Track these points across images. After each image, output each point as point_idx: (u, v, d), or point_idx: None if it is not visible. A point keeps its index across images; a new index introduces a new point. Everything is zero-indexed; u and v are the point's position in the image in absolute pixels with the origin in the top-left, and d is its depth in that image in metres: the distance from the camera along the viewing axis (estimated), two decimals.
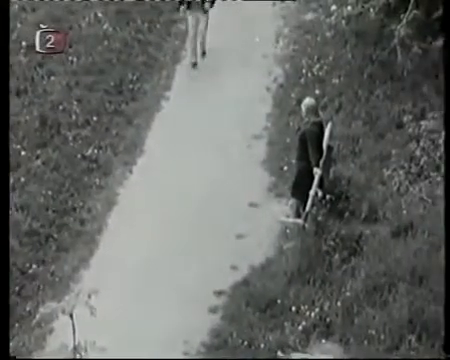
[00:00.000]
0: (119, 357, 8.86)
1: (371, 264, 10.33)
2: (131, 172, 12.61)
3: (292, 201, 11.29)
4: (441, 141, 12.03)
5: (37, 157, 12.57)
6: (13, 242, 10.77)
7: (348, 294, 10.01)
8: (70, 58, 14.46)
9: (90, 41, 14.97)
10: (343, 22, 13.22)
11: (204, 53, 14.88)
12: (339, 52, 14.30)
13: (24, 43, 14.33)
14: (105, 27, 15.39)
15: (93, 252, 11.12)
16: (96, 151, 12.80)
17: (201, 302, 10.20)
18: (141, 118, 13.73)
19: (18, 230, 11.07)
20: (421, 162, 11.92)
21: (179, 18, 16.12)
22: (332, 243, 10.63)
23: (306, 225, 10.71)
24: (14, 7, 15.11)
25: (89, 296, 5.41)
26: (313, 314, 9.85)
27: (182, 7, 14.74)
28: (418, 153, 12.06)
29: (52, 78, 14.15)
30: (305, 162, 10.92)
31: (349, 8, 13.00)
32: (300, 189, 10.95)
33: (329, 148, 11.20)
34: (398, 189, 11.53)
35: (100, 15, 15.61)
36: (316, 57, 14.53)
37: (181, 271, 10.64)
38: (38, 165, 12.43)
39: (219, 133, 13.17)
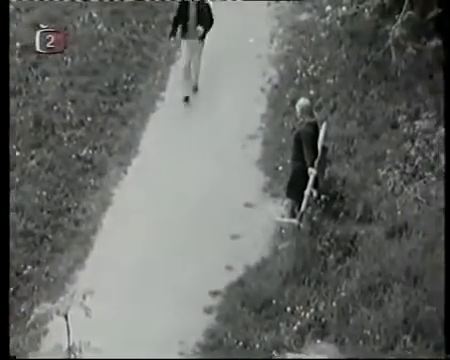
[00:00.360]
0: (114, 358, 8.85)
1: (366, 264, 10.34)
2: (126, 172, 12.60)
3: (287, 201, 11.30)
4: (435, 141, 12.06)
5: (32, 157, 12.56)
6: None
7: (343, 294, 10.01)
8: (65, 58, 14.44)
9: (85, 41, 14.95)
10: (338, 23, 13.24)
11: (196, 88, 13.99)
12: (334, 52, 14.31)
13: (18, 44, 14.32)
14: (100, 27, 15.38)
15: (88, 253, 11.11)
16: (91, 151, 12.79)
17: (196, 302, 10.20)
18: (136, 119, 13.72)
19: (13, 231, 11.03)
20: (416, 162, 11.94)
21: None
22: (327, 243, 10.64)
23: (301, 225, 10.71)
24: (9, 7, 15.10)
25: (84, 297, 5.39)
26: (308, 314, 9.85)
27: (172, 37, 13.87)
28: (413, 153, 12.08)
29: (47, 79, 14.14)
30: (300, 162, 10.93)
31: (344, 9, 13.01)
32: (295, 189, 10.96)
33: (324, 148, 11.22)
34: (393, 189, 11.54)
35: (95, 15, 15.59)
36: (311, 57, 14.54)
37: (176, 271, 10.63)
38: (33, 165, 12.41)
39: (214, 134, 13.17)
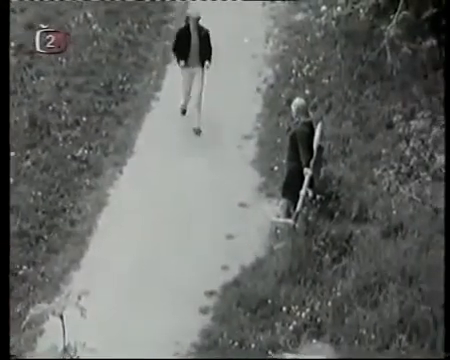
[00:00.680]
0: (110, 358, 8.83)
1: (361, 264, 10.34)
2: (121, 173, 12.59)
3: (283, 201, 11.30)
4: (430, 141, 12.06)
5: (27, 158, 12.54)
6: None
7: (339, 294, 10.01)
8: (59, 59, 14.43)
9: (79, 42, 14.94)
10: (333, 23, 13.23)
11: (199, 131, 13.02)
12: (329, 52, 14.32)
13: (13, 44, 14.30)
14: (94, 28, 15.37)
15: (83, 253, 11.09)
16: (86, 152, 12.78)
17: (192, 303, 10.19)
18: (131, 118, 13.71)
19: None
20: (411, 162, 11.94)
21: (169, 18, 16.14)
22: (322, 243, 10.64)
23: (296, 225, 10.72)
24: None
25: (79, 297, 5.38)
26: (304, 314, 9.85)
27: (179, 60, 13.03)
28: (408, 153, 12.07)
29: (41, 78, 14.13)
30: (295, 162, 10.93)
31: (339, 9, 13.01)
32: (290, 189, 10.96)
33: (319, 148, 11.22)
34: (388, 189, 11.52)
35: (90, 15, 15.58)
36: (306, 57, 14.55)
37: (172, 272, 10.62)
38: (28, 166, 12.40)
39: (209, 133, 13.17)
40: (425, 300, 9.68)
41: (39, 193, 11.89)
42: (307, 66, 14.30)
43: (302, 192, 10.68)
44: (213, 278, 10.54)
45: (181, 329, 9.80)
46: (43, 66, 14.32)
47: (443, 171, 10.16)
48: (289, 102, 12.28)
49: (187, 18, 13.14)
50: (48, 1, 15.57)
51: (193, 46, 13.07)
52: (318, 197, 11.01)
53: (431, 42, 12.66)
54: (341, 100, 13.46)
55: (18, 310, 10.10)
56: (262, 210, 11.70)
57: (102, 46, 15.04)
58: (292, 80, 14.18)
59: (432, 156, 11.77)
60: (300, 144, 10.87)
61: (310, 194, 10.90)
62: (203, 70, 13.07)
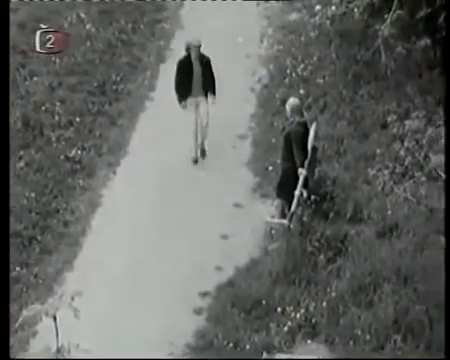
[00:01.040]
0: (103, 359, 8.79)
1: (356, 264, 10.32)
2: (115, 173, 12.55)
3: (277, 202, 11.27)
4: (425, 141, 12.05)
5: (20, 158, 12.49)
6: None
7: (333, 294, 9.99)
8: (53, 59, 14.37)
9: (73, 41, 14.86)
10: (327, 22, 13.21)
11: (204, 152, 12.71)
12: (323, 52, 14.30)
13: None
14: (88, 27, 15.32)
15: (77, 254, 11.05)
16: (80, 152, 12.73)
17: (186, 303, 10.16)
18: (125, 119, 13.67)
19: None
20: (406, 162, 11.92)
21: (163, 18, 16.09)
22: (317, 243, 10.62)
23: (291, 226, 10.69)
24: None
25: (73, 298, 5.35)
26: (298, 315, 9.83)
27: (183, 102, 12.54)
28: (402, 153, 12.06)
29: (35, 79, 14.07)
30: (290, 162, 10.91)
31: (333, 8, 12.99)
32: (285, 189, 10.94)
33: (314, 148, 11.19)
34: (383, 189, 11.51)
35: (83, 15, 15.53)
36: (300, 57, 14.53)
37: (166, 272, 10.59)
38: (21, 166, 12.35)
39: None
40: (420, 300, 9.66)
41: (32, 194, 11.85)
42: (301, 66, 14.28)
43: (297, 192, 10.66)
44: (207, 279, 10.51)
45: (175, 330, 9.77)
46: (36, 66, 14.27)
47: (438, 171, 10.15)
48: (283, 102, 12.25)
49: (188, 47, 12.55)
50: (41, 1, 15.50)
51: (196, 76, 12.54)
52: (313, 197, 10.99)
53: (425, 42, 12.65)
54: (335, 100, 13.45)
55: (11, 311, 10.05)
56: (256, 210, 11.68)
57: (96, 46, 15.00)
58: (286, 80, 14.15)
59: (427, 156, 11.76)
60: (294, 144, 10.85)
61: (305, 194, 10.88)
62: (207, 100, 12.64)
